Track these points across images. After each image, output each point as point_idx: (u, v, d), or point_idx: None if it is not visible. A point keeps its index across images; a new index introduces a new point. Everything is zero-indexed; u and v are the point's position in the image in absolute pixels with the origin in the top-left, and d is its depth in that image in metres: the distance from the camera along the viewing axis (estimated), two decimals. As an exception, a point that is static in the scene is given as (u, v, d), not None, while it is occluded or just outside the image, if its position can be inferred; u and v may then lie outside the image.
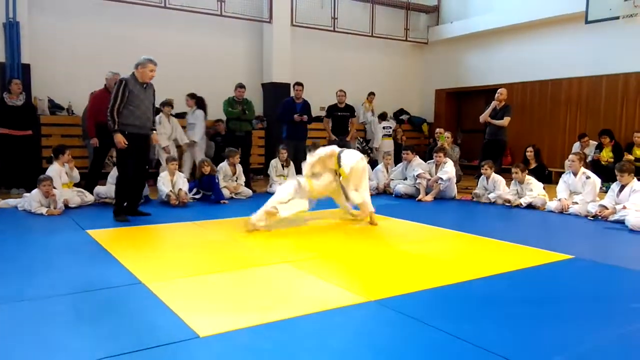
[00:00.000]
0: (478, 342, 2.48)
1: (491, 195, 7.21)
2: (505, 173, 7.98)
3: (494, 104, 8.27)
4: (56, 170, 6.35)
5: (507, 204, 6.92)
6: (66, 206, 6.08)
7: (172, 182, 6.75)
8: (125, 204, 5.69)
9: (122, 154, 5.53)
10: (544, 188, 7.07)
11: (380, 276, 3.68)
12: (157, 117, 7.71)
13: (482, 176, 7.50)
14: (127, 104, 5.41)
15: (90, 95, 7.61)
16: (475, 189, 7.65)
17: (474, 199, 7.50)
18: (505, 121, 8.09)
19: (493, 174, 7.38)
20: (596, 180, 6.44)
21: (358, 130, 10.98)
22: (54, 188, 5.99)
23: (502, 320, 2.82)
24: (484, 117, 8.32)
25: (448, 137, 9.46)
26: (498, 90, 8.31)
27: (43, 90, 8.58)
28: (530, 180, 7.02)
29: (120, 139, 5.40)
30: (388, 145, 10.82)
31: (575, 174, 6.54)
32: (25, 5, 8.28)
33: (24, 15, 8.22)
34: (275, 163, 8.24)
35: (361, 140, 11.20)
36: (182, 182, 6.80)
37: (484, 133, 8.55)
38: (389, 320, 2.83)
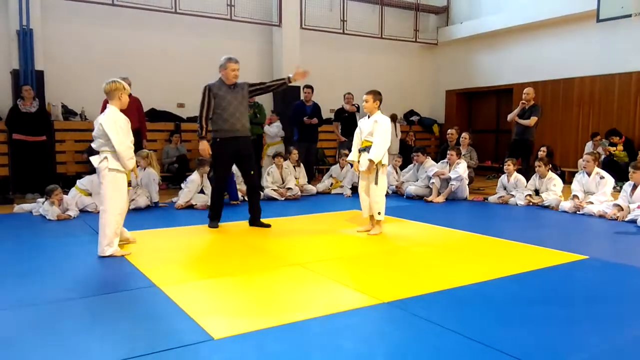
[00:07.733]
0: (492, 343, 2.47)
1: (511, 201, 7.14)
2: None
3: (522, 104, 8.23)
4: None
5: (530, 204, 6.89)
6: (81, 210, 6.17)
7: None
8: (216, 210, 5.44)
9: (214, 161, 5.42)
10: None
11: (393, 278, 3.67)
12: None
13: (504, 175, 7.45)
14: (215, 108, 5.23)
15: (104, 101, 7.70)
16: (486, 189, 7.57)
17: (486, 200, 7.47)
18: (532, 121, 8.01)
19: (515, 173, 7.33)
20: (610, 180, 6.39)
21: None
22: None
23: (516, 321, 2.81)
24: (512, 116, 8.28)
25: (465, 138, 9.17)
26: (524, 90, 8.28)
27: (56, 96, 8.69)
28: (553, 176, 6.97)
29: (204, 147, 5.22)
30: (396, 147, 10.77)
31: (589, 174, 6.49)
32: (39, 13, 8.40)
33: (37, 22, 8.35)
34: (286, 165, 8.24)
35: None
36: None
37: (511, 133, 8.52)
38: (401, 322, 2.83)
